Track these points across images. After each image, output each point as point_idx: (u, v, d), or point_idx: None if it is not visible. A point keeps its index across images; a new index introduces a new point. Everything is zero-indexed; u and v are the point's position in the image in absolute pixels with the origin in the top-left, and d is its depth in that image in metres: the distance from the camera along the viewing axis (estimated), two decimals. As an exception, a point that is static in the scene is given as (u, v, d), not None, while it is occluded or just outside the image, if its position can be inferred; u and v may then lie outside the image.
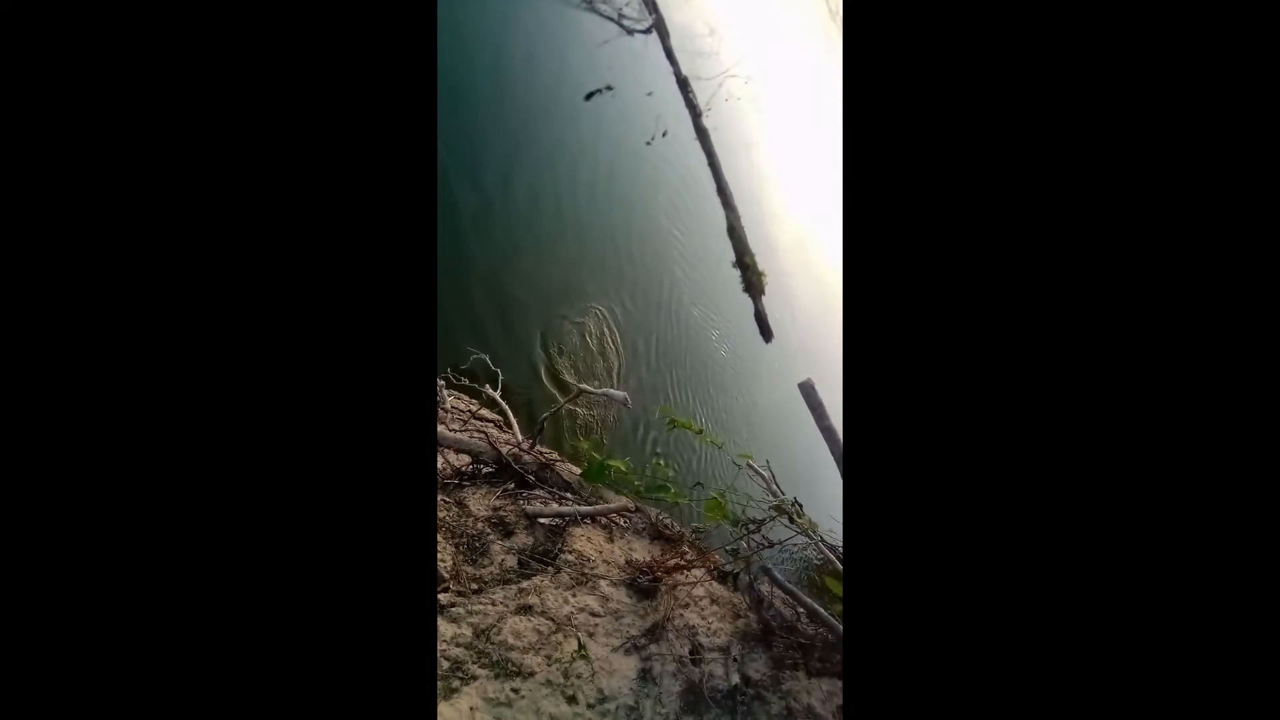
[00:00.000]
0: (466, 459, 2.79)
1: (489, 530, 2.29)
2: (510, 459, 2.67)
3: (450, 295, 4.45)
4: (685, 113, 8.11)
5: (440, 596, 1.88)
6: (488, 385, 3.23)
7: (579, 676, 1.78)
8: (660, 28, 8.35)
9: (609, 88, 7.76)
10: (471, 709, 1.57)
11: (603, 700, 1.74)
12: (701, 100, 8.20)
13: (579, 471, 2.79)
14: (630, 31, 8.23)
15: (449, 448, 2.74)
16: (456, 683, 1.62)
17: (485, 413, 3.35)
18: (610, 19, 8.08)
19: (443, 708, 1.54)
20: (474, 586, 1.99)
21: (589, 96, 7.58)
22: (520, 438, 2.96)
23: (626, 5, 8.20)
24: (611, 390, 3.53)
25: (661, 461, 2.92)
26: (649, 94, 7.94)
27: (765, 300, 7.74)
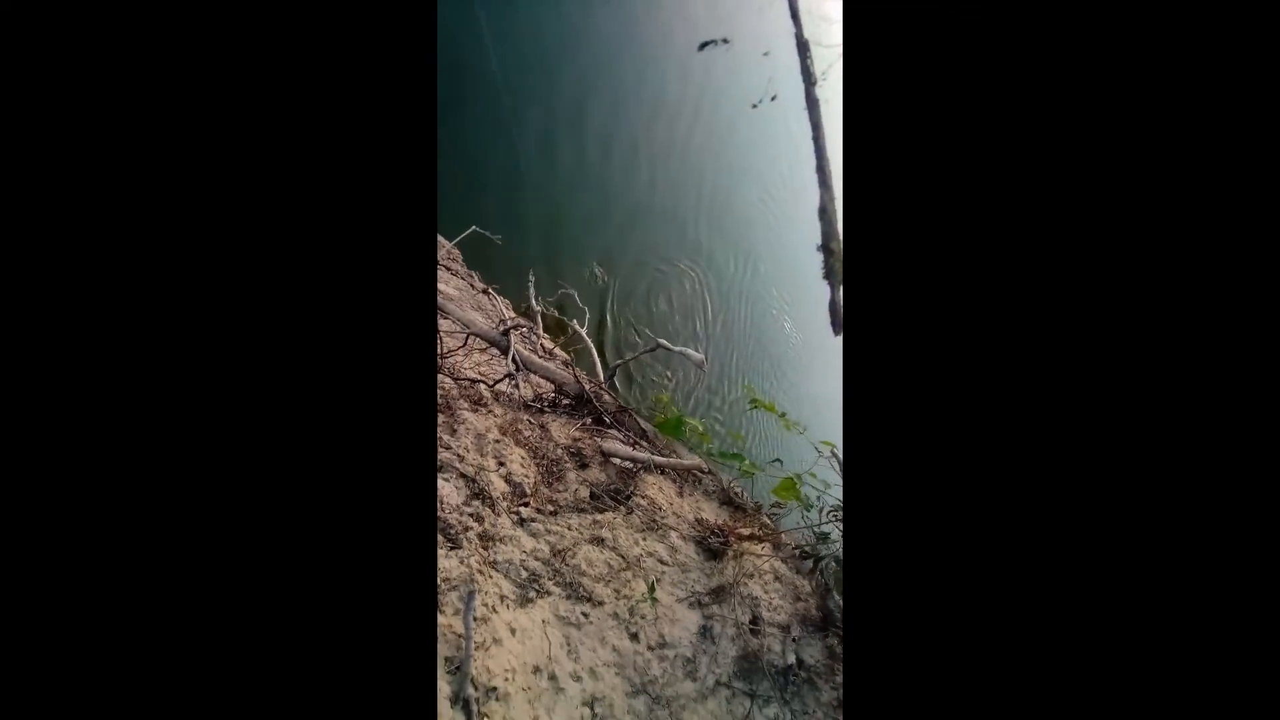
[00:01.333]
0: (550, 386, 2.80)
1: (567, 458, 2.31)
2: (592, 394, 2.67)
3: (535, 231, 4.45)
4: (800, 79, 7.69)
5: (521, 510, 1.90)
6: (574, 320, 3.22)
7: (643, 617, 1.79)
8: (791, -17, 7.87)
9: (725, 40, 7.41)
10: (544, 622, 1.60)
11: (663, 645, 1.75)
12: (818, 68, 7.75)
13: (653, 422, 2.77)
14: (758, -19, 7.78)
15: (535, 372, 2.76)
16: (533, 594, 1.64)
17: (558, 351, 3.36)
18: (737, -31, 7.64)
19: (519, 614, 1.57)
20: (550, 509, 2.01)
21: (702, 47, 7.27)
22: (601, 376, 2.95)
23: (759, -45, 7.74)
24: (689, 350, 3.47)
25: (740, 431, 2.87)
26: (765, 54, 7.54)
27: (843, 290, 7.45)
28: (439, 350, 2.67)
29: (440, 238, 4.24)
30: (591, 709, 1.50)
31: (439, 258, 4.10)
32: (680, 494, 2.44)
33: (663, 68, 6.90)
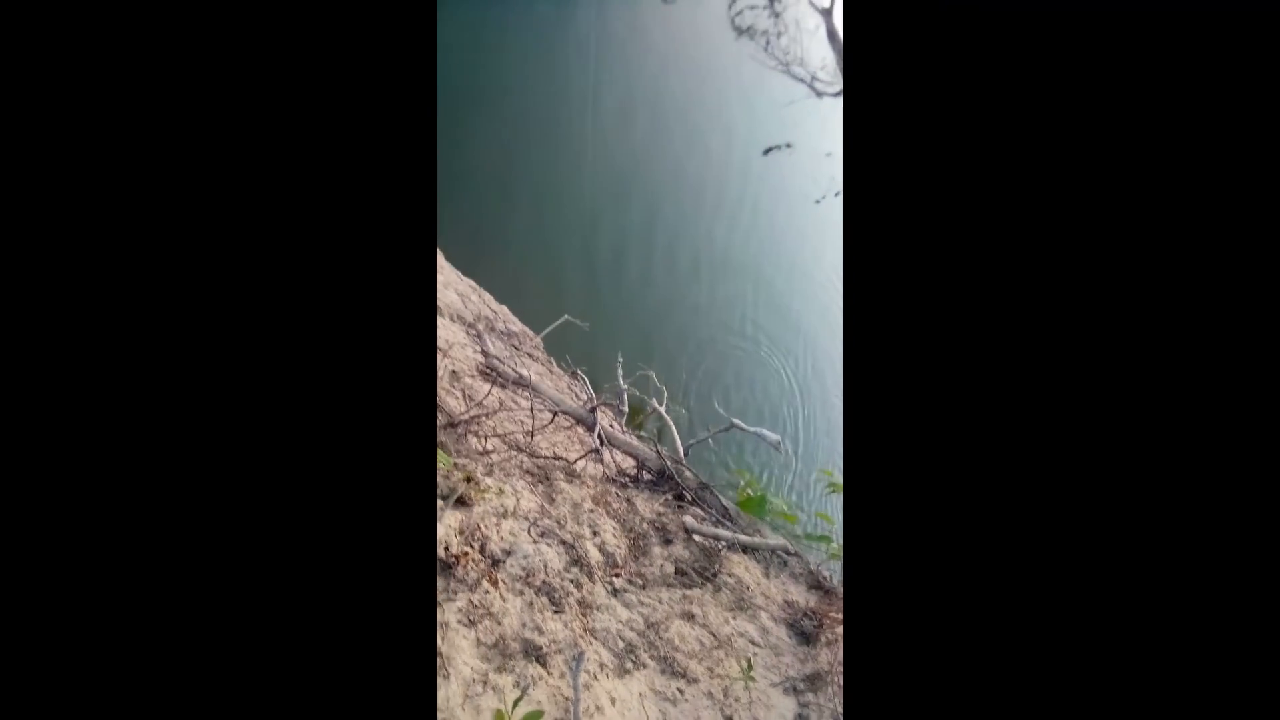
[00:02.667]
0: (632, 463, 2.90)
1: (652, 533, 2.35)
2: (673, 470, 2.73)
3: (617, 321, 4.79)
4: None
5: (614, 580, 1.95)
6: (653, 399, 3.36)
7: (737, 700, 1.74)
8: (851, 91, 8.42)
9: (788, 145, 7.94)
10: (641, 695, 1.60)
11: (759, 731, 1.69)
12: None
13: (736, 500, 2.78)
14: (820, 94, 8.40)
15: (619, 448, 2.88)
16: (630, 665, 1.66)
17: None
18: (803, 80, 8.30)
19: (616, 684, 1.58)
20: (639, 581, 2.04)
21: (767, 152, 7.81)
22: (681, 453, 3.02)
23: (821, 69, 8.39)
24: (764, 430, 3.50)
25: (828, 514, 2.82)
26: (828, 154, 8.00)
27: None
28: (532, 426, 2.86)
29: (529, 329, 4.61)
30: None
31: (528, 348, 4.44)
32: (767, 574, 2.40)
33: (726, 172, 7.47)
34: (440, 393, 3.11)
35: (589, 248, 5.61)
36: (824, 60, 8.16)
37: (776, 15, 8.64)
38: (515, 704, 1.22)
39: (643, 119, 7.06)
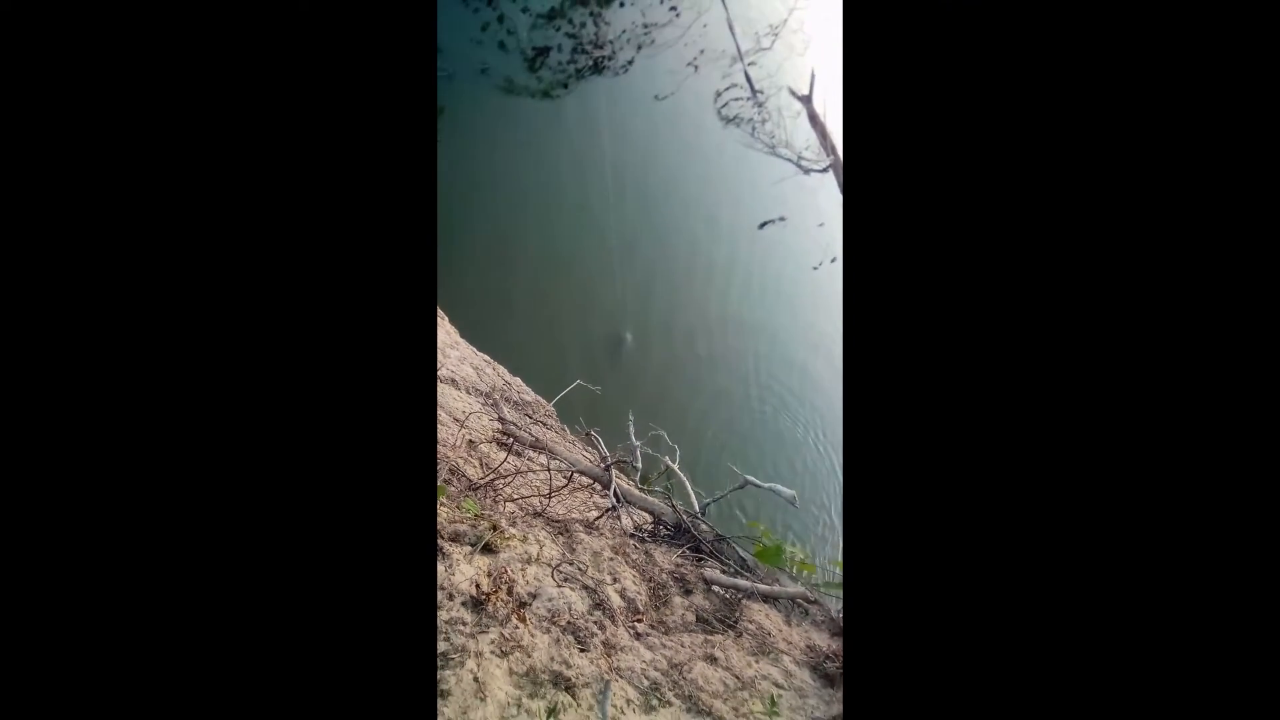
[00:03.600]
0: (648, 518, 2.97)
1: (671, 583, 2.40)
2: (690, 524, 2.79)
3: (628, 384, 4.98)
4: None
5: (636, 625, 1.99)
6: (666, 457, 3.46)
7: (764, 741, 1.74)
8: (835, 167, 9.02)
9: (782, 218, 8.43)
10: (668, 733, 1.62)
11: (789, 773, 1.68)
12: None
13: (752, 551, 2.81)
14: (807, 171, 8.97)
15: (634, 505, 2.96)
16: (655, 702, 1.68)
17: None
18: (790, 160, 8.91)
19: (642, 719, 1.60)
20: (661, 629, 2.08)
21: (763, 225, 8.28)
22: (696, 507, 3.09)
23: (806, 149, 9.02)
24: (779, 486, 3.56)
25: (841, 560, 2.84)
26: (820, 225, 8.48)
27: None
28: (549, 486, 2.95)
29: (541, 399, 4.78)
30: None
31: (541, 415, 4.60)
32: (788, 622, 2.41)
33: (727, 243, 7.91)
34: (458, 461, 3.24)
35: (591, 318, 5.90)
36: (808, 141, 8.79)
37: (759, 105, 9.40)
38: (549, 716, 1.27)
39: (639, 198, 7.60)
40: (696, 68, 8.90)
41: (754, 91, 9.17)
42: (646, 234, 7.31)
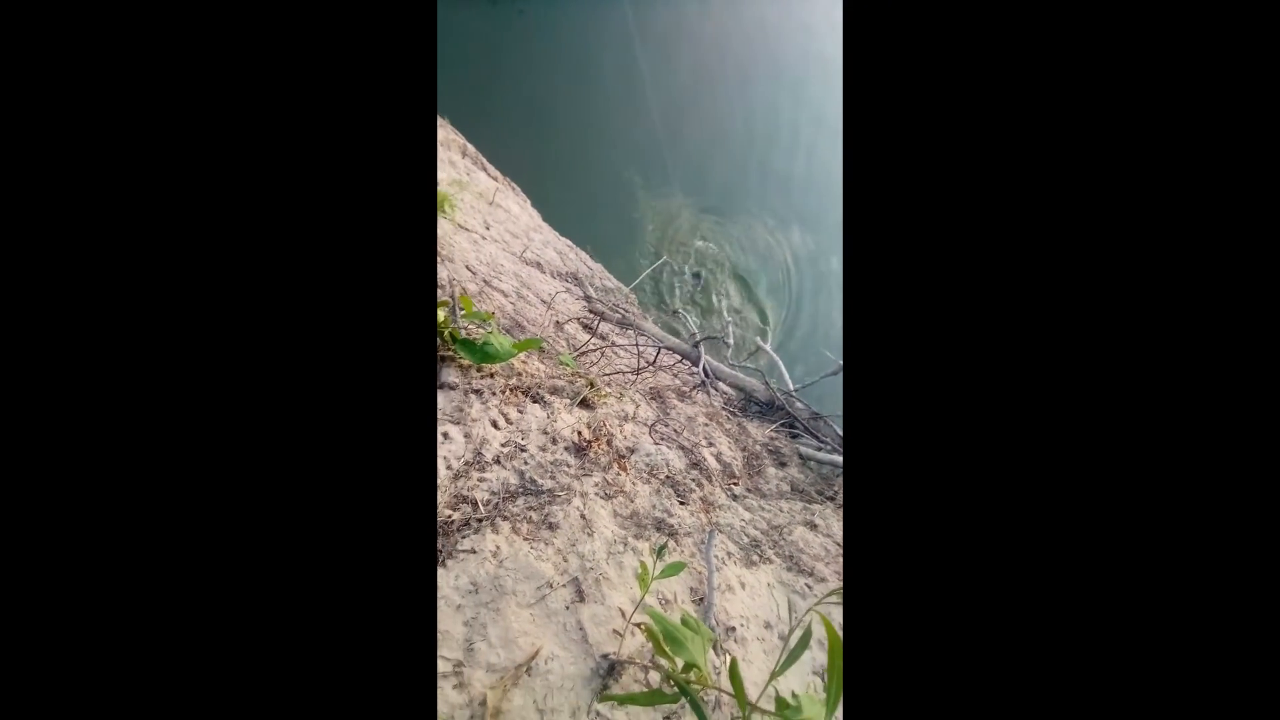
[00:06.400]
0: (738, 397, 2.88)
1: (765, 455, 2.33)
2: (784, 401, 2.68)
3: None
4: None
5: (734, 487, 1.95)
6: (758, 337, 3.30)
7: (867, 603, 1.69)
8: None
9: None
10: (769, 585, 1.60)
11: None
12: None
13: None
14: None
15: (725, 381, 2.86)
16: (756, 558, 1.66)
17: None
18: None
19: (743, 571, 1.59)
20: (757, 494, 2.03)
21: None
22: (789, 385, 2.96)
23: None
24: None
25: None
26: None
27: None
28: (637, 362, 2.91)
29: (624, 286, 4.68)
30: (822, 678, 1.44)
31: (623, 302, 4.52)
32: (889, 498, 2.31)
33: (825, 123, 7.11)
34: (546, 342, 3.25)
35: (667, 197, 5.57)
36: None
37: None
38: (660, 551, 1.26)
39: (734, 65, 6.85)
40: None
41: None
42: (739, 107, 6.67)
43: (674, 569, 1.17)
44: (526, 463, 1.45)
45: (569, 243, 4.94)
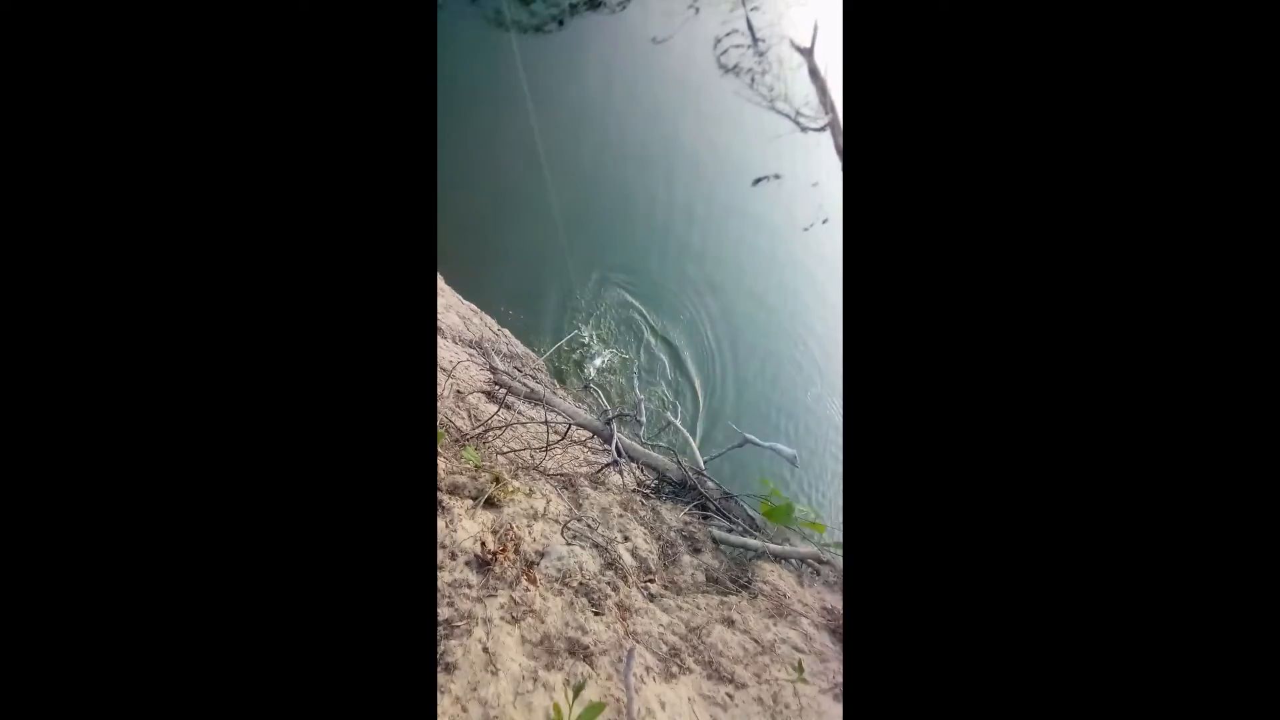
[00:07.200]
0: (647, 476, 2.81)
1: (680, 541, 2.26)
2: (696, 481, 2.65)
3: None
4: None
5: (649, 585, 1.85)
6: (668, 412, 3.29)
7: (787, 706, 1.63)
8: (834, 126, 8.74)
9: (776, 176, 8.17)
10: (690, 699, 1.49)
11: (814, 740, 1.57)
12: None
13: (760, 509, 2.69)
14: (804, 129, 8.67)
15: (637, 460, 2.80)
16: (675, 669, 1.55)
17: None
18: (787, 116, 8.58)
19: (663, 688, 1.47)
20: (673, 589, 1.94)
21: (756, 182, 8.02)
22: (701, 464, 2.95)
23: (805, 105, 8.68)
24: (780, 445, 3.45)
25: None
26: (814, 184, 8.24)
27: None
28: (547, 440, 2.77)
29: (533, 353, 4.55)
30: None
31: (530, 370, 4.38)
32: (801, 583, 2.30)
33: (719, 199, 7.62)
34: (446, 413, 3.03)
35: (572, 268, 5.62)
36: (807, 97, 8.45)
37: (760, 55, 9.00)
38: (576, 693, 1.11)
39: (633, 145, 7.23)
40: (697, 10, 8.41)
41: (755, 40, 8.74)
42: (639, 185, 6.99)
43: (594, 711, 1.04)
44: (421, 585, 1.26)
45: (473, 306, 4.76)
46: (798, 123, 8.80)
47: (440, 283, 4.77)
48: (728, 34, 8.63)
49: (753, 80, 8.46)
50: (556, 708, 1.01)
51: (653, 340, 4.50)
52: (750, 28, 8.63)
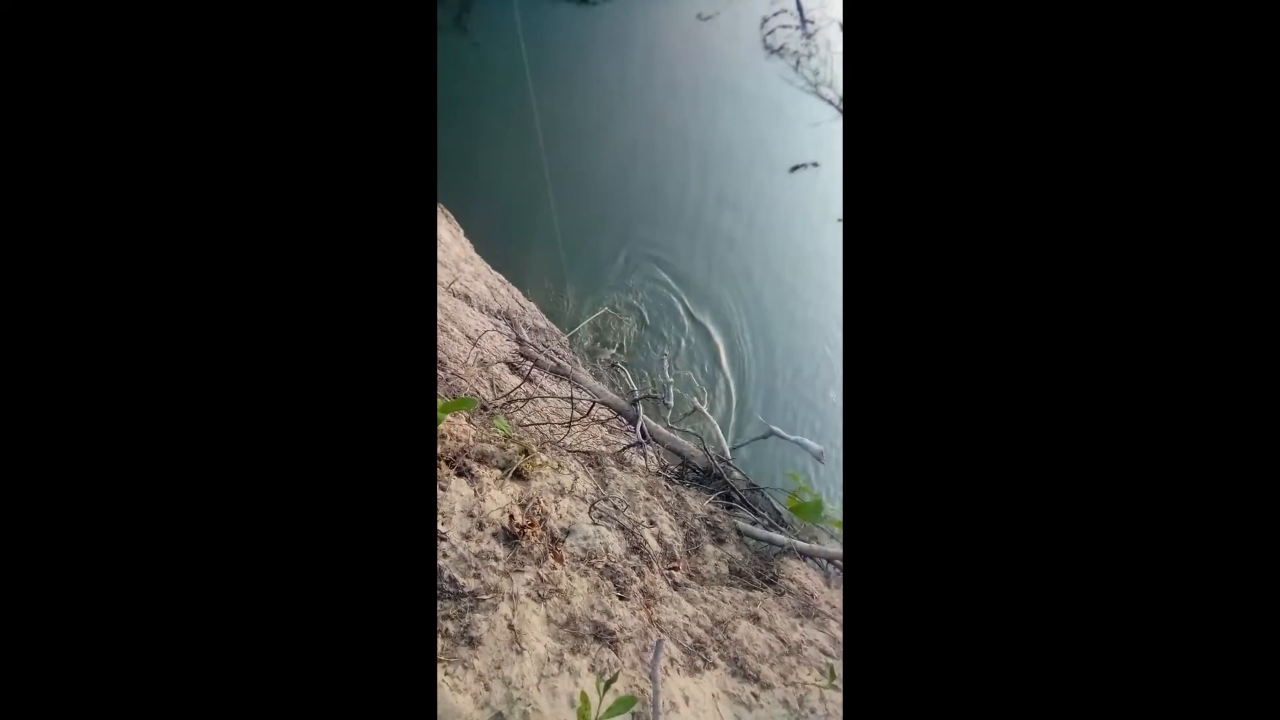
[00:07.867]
0: (677, 460, 2.74)
1: (704, 530, 2.18)
2: (722, 470, 2.57)
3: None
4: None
5: (674, 573, 1.78)
6: (695, 398, 3.21)
7: (813, 711, 1.55)
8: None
9: (815, 164, 7.95)
10: (714, 695, 1.42)
11: (839, 748, 1.50)
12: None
13: (787, 504, 2.60)
14: (849, 117, 8.37)
15: (662, 444, 2.72)
16: (700, 663, 1.48)
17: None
18: (831, 103, 8.31)
19: (687, 682, 1.40)
20: (696, 578, 1.87)
21: (794, 169, 7.80)
22: (728, 452, 2.86)
23: (850, 91, 8.37)
24: (807, 440, 3.34)
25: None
26: (856, 175, 7.96)
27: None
28: (571, 416, 2.71)
29: (557, 329, 4.48)
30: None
31: (555, 345, 4.31)
32: (828, 583, 2.22)
33: (754, 185, 7.43)
34: (470, 381, 2.97)
35: (611, 248, 5.51)
36: (853, 84, 8.17)
37: (808, 37, 8.72)
38: (607, 686, 1.05)
39: (671, 124, 7.05)
40: (747, -13, 8.15)
41: (803, 21, 8.46)
42: (674, 166, 6.83)
43: (624, 705, 0.97)
44: (446, 555, 1.20)
45: (501, 278, 4.70)
46: (841, 109, 8.53)
47: (471, 250, 4.72)
48: (776, 14, 8.36)
49: (798, 63, 8.20)
50: (584, 696, 0.95)
51: (687, 323, 4.39)
52: (799, 8, 8.35)
